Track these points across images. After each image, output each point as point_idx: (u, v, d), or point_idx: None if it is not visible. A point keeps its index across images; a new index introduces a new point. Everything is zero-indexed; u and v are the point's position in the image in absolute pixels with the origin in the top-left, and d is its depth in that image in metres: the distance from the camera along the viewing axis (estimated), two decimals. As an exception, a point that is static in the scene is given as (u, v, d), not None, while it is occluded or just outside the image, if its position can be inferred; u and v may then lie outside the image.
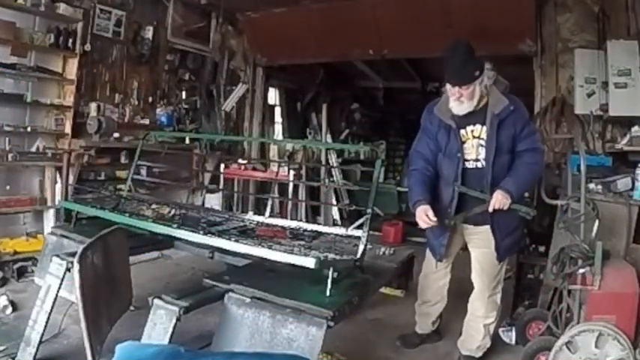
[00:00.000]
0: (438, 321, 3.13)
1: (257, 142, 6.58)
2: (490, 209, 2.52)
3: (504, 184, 2.51)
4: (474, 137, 2.61)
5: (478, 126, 2.59)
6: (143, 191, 4.56)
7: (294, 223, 3.49)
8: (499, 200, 2.49)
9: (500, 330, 3.21)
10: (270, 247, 2.39)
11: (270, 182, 5.71)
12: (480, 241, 2.74)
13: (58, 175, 4.34)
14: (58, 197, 4.26)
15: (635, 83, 3.72)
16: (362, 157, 7.84)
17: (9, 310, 3.22)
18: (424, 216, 2.54)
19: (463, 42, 2.50)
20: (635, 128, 3.64)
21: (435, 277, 2.96)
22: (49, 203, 4.37)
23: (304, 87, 7.59)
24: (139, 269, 3.52)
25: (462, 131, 2.62)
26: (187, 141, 5.59)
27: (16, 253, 3.95)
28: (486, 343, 2.89)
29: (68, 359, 2.69)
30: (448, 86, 2.54)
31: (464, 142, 2.62)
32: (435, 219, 2.54)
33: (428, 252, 2.97)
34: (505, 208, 2.50)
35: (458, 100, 2.52)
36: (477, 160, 2.62)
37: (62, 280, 2.48)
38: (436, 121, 2.67)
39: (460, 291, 2.97)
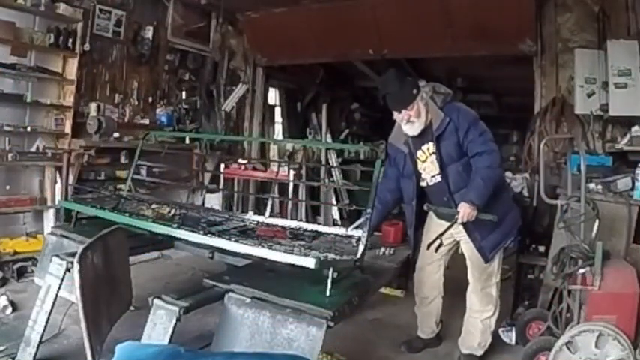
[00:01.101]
0: (440, 324, 3.14)
1: (257, 142, 6.57)
2: (459, 222, 2.58)
3: (466, 196, 2.58)
4: (430, 154, 2.73)
5: (430, 143, 2.71)
6: (143, 191, 4.57)
7: (294, 223, 3.48)
8: (467, 213, 2.54)
9: (500, 330, 3.22)
10: (270, 247, 2.38)
11: (270, 182, 5.71)
12: (464, 235, 2.79)
13: (58, 175, 4.34)
14: (58, 197, 4.27)
15: (635, 83, 3.71)
16: (362, 157, 7.83)
17: (9, 310, 3.22)
18: None
19: (391, 70, 2.70)
20: (635, 128, 3.64)
21: (430, 269, 3.00)
22: (49, 203, 4.37)
23: (304, 87, 7.59)
24: (139, 269, 3.52)
25: (419, 152, 2.77)
26: (187, 141, 5.59)
27: (16, 253, 3.95)
28: (487, 339, 2.90)
29: (68, 359, 2.70)
30: (395, 114, 2.69)
31: (424, 162, 2.77)
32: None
33: (422, 247, 3.03)
34: (472, 219, 2.57)
35: (409, 123, 2.67)
36: (438, 174, 2.73)
37: (62, 280, 2.48)
38: (393, 149, 2.88)
39: (459, 290, 2.97)
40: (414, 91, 2.62)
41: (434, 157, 2.71)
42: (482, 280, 2.85)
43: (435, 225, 2.90)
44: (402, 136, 2.79)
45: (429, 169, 2.76)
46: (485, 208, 2.62)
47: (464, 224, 2.64)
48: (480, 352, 2.91)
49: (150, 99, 5.39)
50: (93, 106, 4.67)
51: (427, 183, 2.79)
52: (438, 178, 2.73)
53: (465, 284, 2.94)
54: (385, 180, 2.98)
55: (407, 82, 2.64)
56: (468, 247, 2.82)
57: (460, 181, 2.67)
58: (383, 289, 3.64)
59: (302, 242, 2.92)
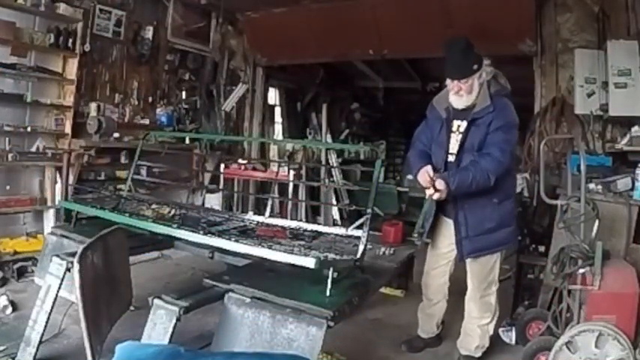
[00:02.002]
0: (441, 325, 3.12)
1: (257, 142, 6.58)
2: (428, 193, 2.53)
3: (450, 175, 2.52)
4: (459, 133, 2.67)
5: (464, 122, 2.64)
6: (143, 191, 4.56)
7: (294, 223, 3.49)
8: (440, 188, 2.47)
9: (500, 330, 3.21)
10: (270, 247, 2.39)
11: (270, 182, 5.71)
12: None
13: (58, 175, 4.34)
14: (58, 197, 4.26)
15: (635, 83, 3.71)
16: (362, 157, 7.84)
17: (9, 310, 3.22)
18: (425, 174, 2.57)
19: (462, 37, 2.59)
20: (635, 128, 3.64)
21: (435, 273, 2.96)
22: (49, 203, 4.37)
23: (304, 87, 7.59)
24: (139, 269, 3.52)
25: (452, 124, 2.70)
26: (187, 141, 5.59)
27: (16, 253, 3.95)
28: (485, 343, 2.89)
29: (68, 359, 2.69)
30: (448, 81, 2.63)
31: (451, 135, 2.70)
32: (436, 175, 2.56)
33: (429, 249, 2.99)
34: (439, 198, 2.51)
35: (457, 94, 2.60)
36: (453, 154, 2.68)
37: (62, 280, 2.48)
38: (434, 111, 2.79)
39: (460, 291, 2.95)
40: (475, 67, 2.55)
41: (460, 137, 2.65)
42: (481, 289, 2.81)
43: (443, 227, 2.84)
44: (445, 102, 2.72)
45: (452, 146, 2.69)
46: (481, 210, 2.60)
47: (460, 207, 2.64)
48: (478, 354, 2.90)
49: (150, 99, 5.39)
50: (93, 106, 4.67)
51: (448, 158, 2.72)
52: (452, 158, 2.67)
53: (466, 285, 2.91)
54: (416, 141, 2.87)
55: (471, 55, 2.56)
56: None
57: None
58: (383, 289, 3.64)
59: (302, 242, 2.93)
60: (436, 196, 2.51)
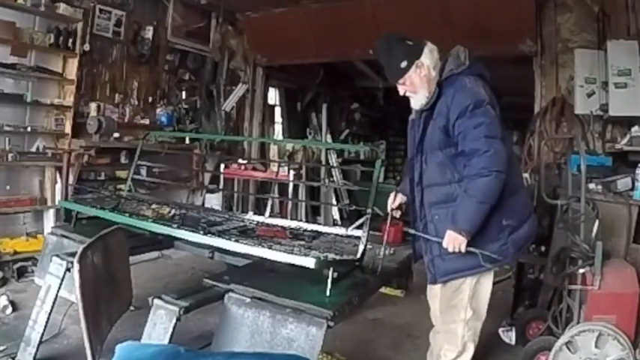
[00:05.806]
0: None
1: (257, 142, 6.58)
2: (445, 246, 2.16)
3: (453, 220, 2.12)
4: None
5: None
6: (143, 191, 4.57)
7: (294, 223, 3.49)
8: (451, 241, 2.11)
9: (500, 330, 3.21)
10: (270, 247, 2.39)
11: (270, 182, 5.71)
12: None
13: (58, 175, 4.34)
14: (58, 197, 4.27)
15: (635, 83, 3.72)
16: (362, 157, 7.85)
17: (9, 310, 3.22)
18: (391, 198, 2.53)
19: (385, 36, 2.30)
20: (635, 128, 3.64)
21: (431, 294, 2.55)
22: (49, 203, 4.37)
23: (304, 87, 7.60)
24: (139, 269, 3.52)
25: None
26: (187, 141, 5.60)
27: (16, 253, 3.96)
28: None
29: (68, 359, 2.70)
30: None
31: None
32: (394, 204, 2.51)
33: None
34: (462, 249, 2.10)
35: (409, 95, 2.30)
36: (416, 157, 2.38)
37: (62, 280, 2.49)
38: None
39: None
40: (403, 64, 2.20)
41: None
42: (446, 314, 2.37)
43: None
44: None
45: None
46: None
47: (424, 230, 2.30)
48: None
49: (150, 99, 5.39)
50: (93, 106, 4.67)
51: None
52: (414, 162, 2.37)
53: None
54: None
55: (395, 53, 2.23)
56: None
57: (435, 175, 2.24)
58: (383, 289, 3.64)
59: (302, 242, 2.92)
60: (451, 248, 2.12)
